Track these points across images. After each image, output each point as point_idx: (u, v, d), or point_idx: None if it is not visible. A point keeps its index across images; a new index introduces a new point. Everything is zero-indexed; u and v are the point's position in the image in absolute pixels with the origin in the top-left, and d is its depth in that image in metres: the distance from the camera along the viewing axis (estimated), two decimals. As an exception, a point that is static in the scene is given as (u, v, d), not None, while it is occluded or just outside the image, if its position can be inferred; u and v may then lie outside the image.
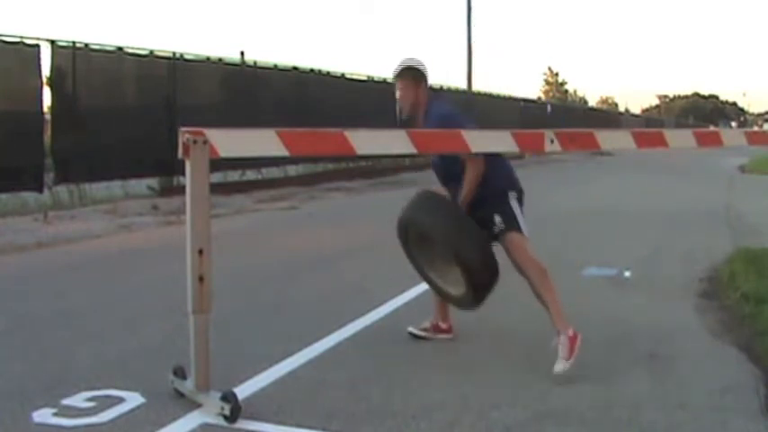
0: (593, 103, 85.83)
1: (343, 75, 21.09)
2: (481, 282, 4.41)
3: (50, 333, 5.04)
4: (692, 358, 4.56)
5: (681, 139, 4.59)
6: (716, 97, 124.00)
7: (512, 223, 4.42)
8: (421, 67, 4.63)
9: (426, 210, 4.54)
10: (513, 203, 4.49)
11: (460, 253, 4.34)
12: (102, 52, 13.67)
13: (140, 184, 14.43)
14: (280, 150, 3.80)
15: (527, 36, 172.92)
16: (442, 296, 4.70)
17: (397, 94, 4.64)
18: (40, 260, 8.05)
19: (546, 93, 76.45)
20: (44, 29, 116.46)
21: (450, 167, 4.54)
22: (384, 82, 23.17)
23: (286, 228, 10.86)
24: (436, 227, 4.45)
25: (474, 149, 4.19)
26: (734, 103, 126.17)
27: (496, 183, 4.48)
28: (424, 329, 4.88)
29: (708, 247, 8.37)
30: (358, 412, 3.67)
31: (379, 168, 21.48)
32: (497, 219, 4.41)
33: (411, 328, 4.90)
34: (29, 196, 12.18)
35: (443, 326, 4.88)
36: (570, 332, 4.17)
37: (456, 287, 4.52)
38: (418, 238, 4.63)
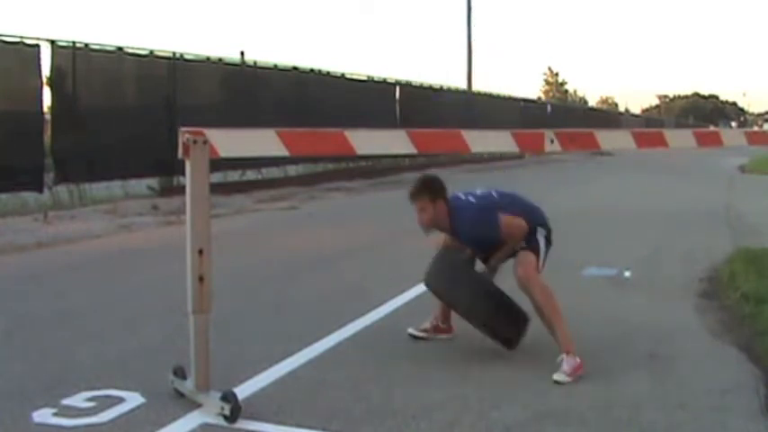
0: (593, 103, 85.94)
1: (343, 75, 21.08)
2: (507, 336, 4.51)
3: (50, 333, 5.04)
4: (692, 358, 4.56)
5: (681, 139, 4.59)
6: (716, 97, 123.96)
7: (532, 245, 4.50)
8: (436, 184, 4.54)
9: (444, 279, 4.60)
10: (541, 238, 4.57)
11: (478, 319, 4.51)
12: (102, 52, 13.67)
13: (140, 184, 14.42)
14: (280, 150, 3.80)
15: (527, 36, 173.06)
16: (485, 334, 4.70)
17: (416, 214, 4.54)
18: (40, 260, 8.05)
19: (546, 93, 76.44)
20: (44, 29, 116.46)
21: (492, 244, 4.54)
22: (384, 82, 23.25)
23: (286, 228, 10.86)
24: (453, 297, 4.58)
25: (474, 149, 4.18)
26: (734, 103, 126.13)
27: (528, 224, 4.54)
28: (424, 330, 4.88)
29: (708, 247, 8.37)
30: (358, 412, 3.67)
31: (379, 168, 21.48)
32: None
33: (411, 330, 4.89)
34: (29, 196, 12.18)
35: (443, 326, 4.88)
36: (578, 359, 4.18)
37: None
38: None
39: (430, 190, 4.51)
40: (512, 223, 4.45)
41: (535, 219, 4.60)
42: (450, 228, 4.56)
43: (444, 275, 4.61)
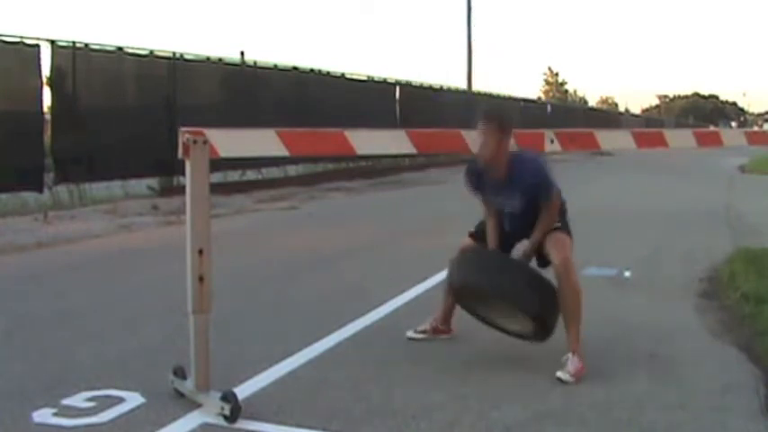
0: (593, 103, 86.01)
1: (343, 75, 21.08)
2: (549, 319, 4.35)
3: (50, 333, 5.04)
4: (692, 358, 4.56)
5: (681, 139, 4.60)
6: (716, 97, 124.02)
7: (566, 226, 4.45)
8: (509, 121, 4.32)
9: (477, 270, 4.40)
10: (567, 219, 4.53)
11: (520, 305, 4.31)
12: (102, 52, 13.67)
13: (140, 184, 14.43)
14: (280, 150, 3.81)
15: (527, 36, 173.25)
16: (509, 334, 4.59)
17: (478, 137, 4.22)
18: (40, 260, 8.05)
19: (546, 93, 76.52)
20: (44, 29, 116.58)
21: (537, 203, 4.39)
22: (384, 82, 23.26)
23: (286, 228, 10.86)
24: (488, 286, 4.36)
25: (474, 149, 4.19)
26: (734, 103, 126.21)
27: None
28: (423, 332, 4.86)
29: (708, 247, 8.37)
30: (358, 412, 3.67)
31: (379, 168, 21.48)
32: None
33: (409, 333, 4.86)
34: (29, 196, 12.18)
35: (443, 327, 4.87)
36: (582, 362, 4.17)
37: (523, 324, 4.43)
38: (473, 296, 4.54)
39: (502, 121, 4.24)
40: (558, 195, 4.37)
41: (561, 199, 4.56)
42: (506, 174, 4.29)
43: (482, 265, 4.40)
